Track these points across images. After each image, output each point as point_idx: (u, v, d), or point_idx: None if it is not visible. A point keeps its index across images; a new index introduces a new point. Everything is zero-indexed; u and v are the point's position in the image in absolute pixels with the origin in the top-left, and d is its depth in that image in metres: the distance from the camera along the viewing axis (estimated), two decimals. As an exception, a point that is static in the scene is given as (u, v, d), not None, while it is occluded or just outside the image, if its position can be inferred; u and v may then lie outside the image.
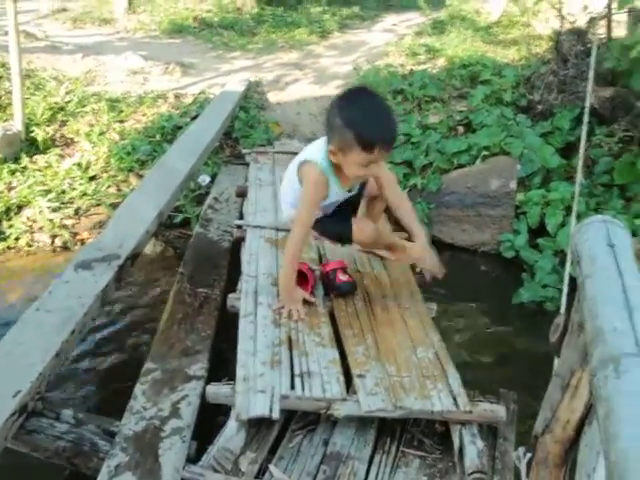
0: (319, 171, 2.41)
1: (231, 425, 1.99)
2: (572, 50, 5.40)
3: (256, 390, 2.05)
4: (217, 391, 2.10)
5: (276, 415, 1.98)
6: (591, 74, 4.29)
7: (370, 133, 2.22)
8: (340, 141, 2.27)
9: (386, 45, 7.35)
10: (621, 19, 6.47)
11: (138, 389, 2.20)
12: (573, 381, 1.50)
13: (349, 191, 2.62)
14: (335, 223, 2.71)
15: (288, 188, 2.69)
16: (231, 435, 1.96)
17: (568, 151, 4.79)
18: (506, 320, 3.67)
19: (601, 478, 1.32)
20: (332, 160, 2.38)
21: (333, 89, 6.02)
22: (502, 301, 3.86)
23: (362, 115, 2.24)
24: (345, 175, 2.42)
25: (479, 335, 3.49)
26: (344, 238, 2.74)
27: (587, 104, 4.09)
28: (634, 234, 4.09)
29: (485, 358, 3.28)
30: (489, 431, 2.23)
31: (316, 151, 2.46)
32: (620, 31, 5.87)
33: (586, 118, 3.98)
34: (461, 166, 4.65)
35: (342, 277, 2.72)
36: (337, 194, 2.56)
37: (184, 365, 2.39)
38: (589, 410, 1.45)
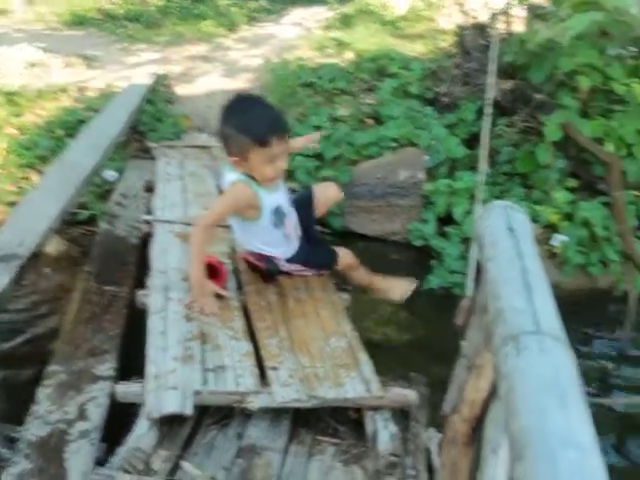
0: (242, 182, 2.47)
1: (141, 424, 1.94)
2: (474, 44, 5.55)
3: (167, 387, 2.01)
4: (126, 390, 2.04)
5: (189, 411, 1.94)
6: (491, 67, 4.44)
7: (260, 128, 2.33)
8: (238, 148, 2.37)
9: (295, 38, 7.34)
10: (522, 15, 6.72)
11: (41, 392, 2.10)
12: (478, 361, 1.54)
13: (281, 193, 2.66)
14: (317, 252, 2.82)
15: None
16: (142, 434, 1.91)
17: (473, 142, 4.92)
18: (416, 306, 3.74)
19: (506, 453, 1.36)
20: (241, 171, 2.46)
21: (243, 82, 5.97)
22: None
23: (247, 116, 2.36)
24: (260, 181, 2.48)
25: (390, 322, 3.55)
26: (328, 264, 2.82)
27: (488, 96, 4.23)
28: (535, 220, 4.27)
29: (396, 344, 3.33)
30: (401, 415, 2.26)
31: (230, 174, 2.53)
32: (521, 26, 6.09)
33: (488, 110, 4.11)
34: (370, 157, 4.71)
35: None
36: (270, 199, 2.55)
37: (91, 365, 2.30)
38: (494, 389, 1.50)
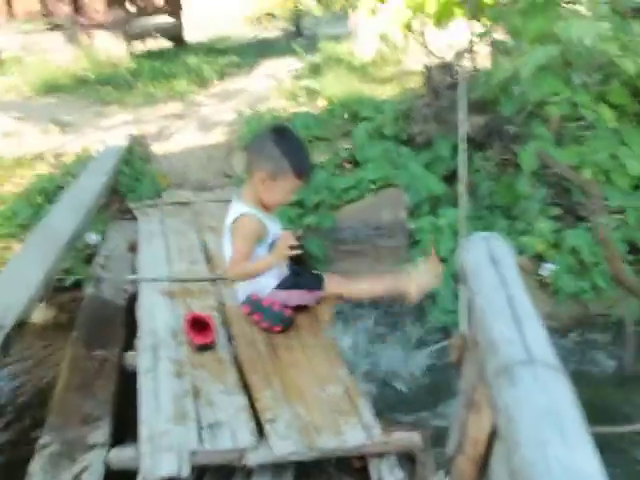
0: (255, 217, 2.68)
1: (139, 490, 1.89)
2: (442, 83, 5.65)
3: (162, 449, 1.96)
4: (120, 455, 2.00)
5: (186, 474, 1.90)
6: (461, 104, 4.51)
7: (303, 162, 2.67)
8: (275, 169, 2.61)
9: (267, 90, 7.44)
10: (487, 52, 6.87)
11: (34, 466, 2.04)
12: (476, 397, 1.52)
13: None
14: (304, 275, 2.91)
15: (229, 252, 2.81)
16: (139, 500, 1.86)
17: (452, 179, 4.96)
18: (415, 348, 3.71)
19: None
20: (257, 186, 2.67)
21: (218, 136, 6.02)
22: (407, 328, 3.90)
23: (295, 147, 2.67)
24: (267, 206, 2.73)
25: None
26: (318, 282, 2.90)
27: (461, 132, 4.28)
28: (521, 252, 4.28)
29: (398, 388, 3.29)
30: (407, 460, 2.23)
31: (240, 207, 2.71)
32: (487, 62, 6.22)
33: (462, 146, 4.16)
34: (351, 201, 4.73)
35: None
36: (272, 226, 2.77)
37: (84, 434, 2.25)
38: (495, 425, 1.48)
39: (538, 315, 1.26)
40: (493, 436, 1.48)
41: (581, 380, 3.28)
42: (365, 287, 2.95)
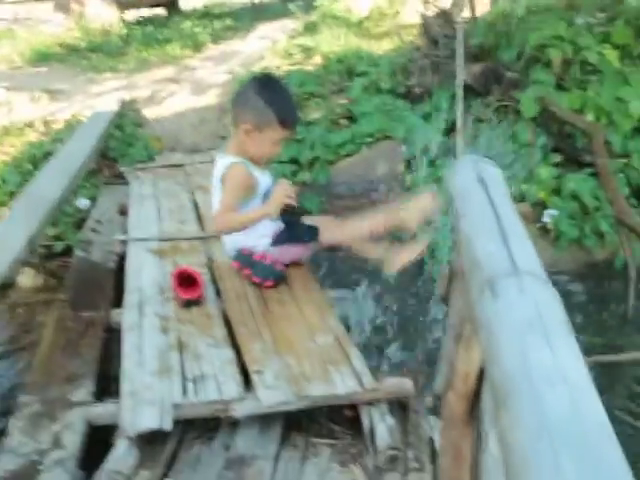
0: (244, 166, 2.57)
1: (120, 444, 1.80)
2: (440, 32, 5.48)
3: (144, 402, 1.87)
4: (101, 411, 1.92)
5: (168, 426, 1.81)
6: (459, 50, 4.36)
7: (288, 111, 2.54)
8: (259, 119, 2.49)
9: (261, 51, 7.27)
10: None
11: (12, 425, 1.95)
12: (466, 330, 1.41)
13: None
14: (298, 227, 2.72)
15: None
16: (120, 455, 1.77)
17: (451, 130, 4.83)
18: (412, 295, 3.63)
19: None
20: (242, 139, 2.55)
21: (212, 98, 5.88)
22: (405, 277, 3.81)
23: (280, 95, 2.55)
24: (254, 160, 2.61)
25: (385, 314, 3.42)
26: (313, 234, 2.73)
27: (459, 78, 4.14)
28: (522, 199, 4.16)
29: (392, 335, 3.21)
30: (399, 407, 2.14)
31: (228, 159, 2.60)
32: (486, 9, 6.04)
33: (459, 92, 4.03)
34: (348, 156, 4.60)
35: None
36: (263, 179, 2.67)
37: (67, 392, 2.16)
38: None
39: (526, 233, 1.14)
40: (484, 371, 1.38)
41: (585, 326, 3.21)
42: (363, 225, 2.75)
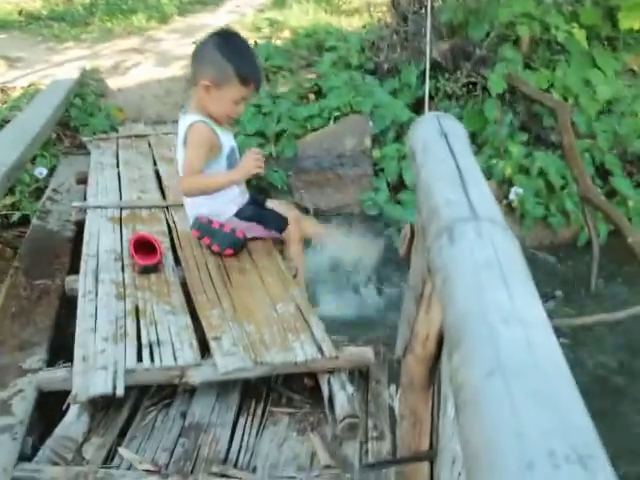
0: (206, 124, 2.47)
1: (70, 411, 1.75)
2: (409, 9, 5.43)
3: (96, 368, 1.82)
4: (51, 376, 1.85)
5: (120, 392, 1.75)
6: (428, 24, 4.31)
7: (248, 68, 2.41)
8: (218, 75, 2.38)
9: (229, 24, 7.12)
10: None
11: (-42, 391, 1.90)
12: (426, 290, 1.37)
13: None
14: (268, 213, 2.76)
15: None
16: (70, 422, 1.72)
17: (418, 107, 4.79)
18: (379, 275, 3.61)
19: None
20: (202, 96, 2.44)
21: (177, 70, 5.75)
22: (371, 259, 3.79)
23: (240, 52, 2.43)
24: (217, 119, 2.51)
25: (349, 293, 3.40)
26: (281, 223, 2.72)
27: (427, 52, 4.10)
28: (489, 177, 4.15)
29: (353, 311, 3.18)
30: (360, 376, 2.11)
31: (190, 118, 2.50)
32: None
33: (427, 64, 3.98)
34: (314, 130, 4.54)
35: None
36: (227, 139, 2.59)
37: (18, 360, 2.10)
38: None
39: (486, 183, 1.11)
40: (444, 332, 1.35)
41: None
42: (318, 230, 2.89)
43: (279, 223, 2.72)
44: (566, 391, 0.57)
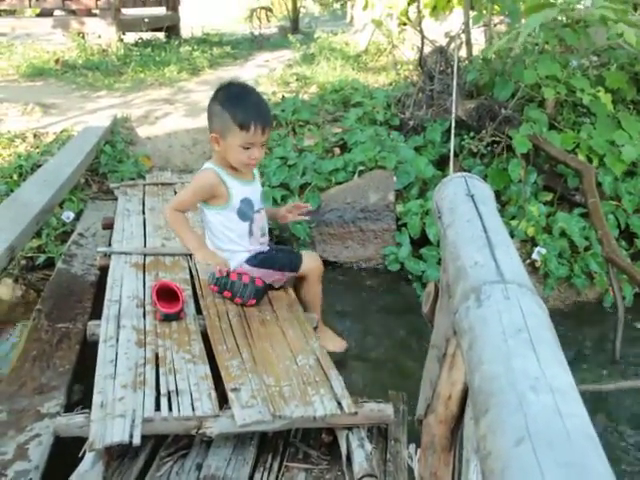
0: (213, 171, 2.57)
1: (86, 458, 1.73)
2: (436, 67, 5.52)
3: (114, 415, 1.81)
4: (68, 422, 1.84)
5: (137, 441, 1.74)
6: (454, 83, 4.38)
7: (244, 111, 2.43)
8: (219, 125, 2.47)
9: (258, 77, 7.29)
10: (480, 39, 6.76)
11: (-25, 433, 1.89)
12: (450, 350, 1.37)
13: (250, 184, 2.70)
14: (281, 254, 2.80)
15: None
16: (85, 469, 1.70)
17: (442, 164, 4.83)
18: (397, 331, 3.57)
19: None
20: (217, 156, 2.57)
21: (205, 120, 5.85)
22: (389, 313, 3.77)
23: (236, 97, 2.48)
24: (235, 169, 2.58)
25: (371, 349, 3.36)
26: (294, 264, 2.75)
27: (453, 110, 4.16)
28: (512, 236, 4.14)
29: (378, 369, 3.14)
30: (379, 434, 2.08)
31: (207, 164, 2.64)
32: (480, 47, 6.10)
33: (452, 121, 4.03)
34: (339, 184, 4.58)
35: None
36: (241, 189, 2.62)
37: (36, 403, 2.10)
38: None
39: (513, 246, 1.11)
40: (467, 394, 1.34)
41: (572, 366, 3.17)
42: (317, 301, 2.86)
43: (292, 261, 2.75)
44: (597, 463, 0.56)
